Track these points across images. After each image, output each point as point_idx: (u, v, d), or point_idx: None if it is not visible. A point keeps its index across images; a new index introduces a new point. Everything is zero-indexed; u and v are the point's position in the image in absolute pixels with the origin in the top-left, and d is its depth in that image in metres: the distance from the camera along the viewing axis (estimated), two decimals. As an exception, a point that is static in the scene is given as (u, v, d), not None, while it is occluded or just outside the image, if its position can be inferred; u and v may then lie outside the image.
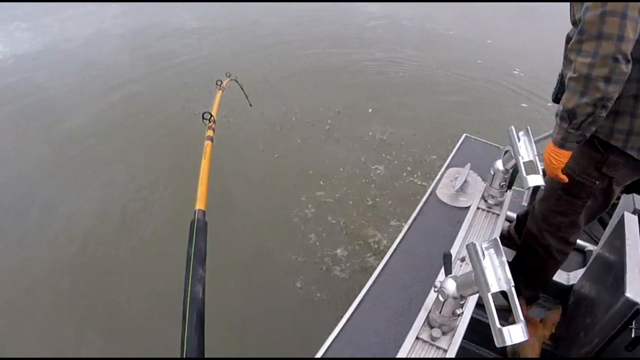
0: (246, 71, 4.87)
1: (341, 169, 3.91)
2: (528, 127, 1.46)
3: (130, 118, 4.61)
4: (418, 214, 1.63)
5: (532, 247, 1.88)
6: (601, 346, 1.56)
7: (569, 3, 1.50)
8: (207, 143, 1.47)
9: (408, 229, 1.56)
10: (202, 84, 4.84)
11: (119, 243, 3.09)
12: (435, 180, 1.81)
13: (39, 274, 2.84)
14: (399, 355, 1.05)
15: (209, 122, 1.67)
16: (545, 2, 8.74)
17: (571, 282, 2.04)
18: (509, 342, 0.88)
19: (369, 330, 1.21)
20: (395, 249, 1.48)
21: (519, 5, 8.83)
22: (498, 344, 0.89)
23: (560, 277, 2.07)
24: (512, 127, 1.47)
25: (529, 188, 1.35)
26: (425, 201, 1.70)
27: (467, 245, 0.95)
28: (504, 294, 0.94)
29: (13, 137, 4.33)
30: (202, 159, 1.35)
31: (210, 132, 1.59)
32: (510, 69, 6.10)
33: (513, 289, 0.93)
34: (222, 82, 2.38)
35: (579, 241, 2.26)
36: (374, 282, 1.37)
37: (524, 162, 1.39)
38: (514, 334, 0.88)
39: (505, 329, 0.88)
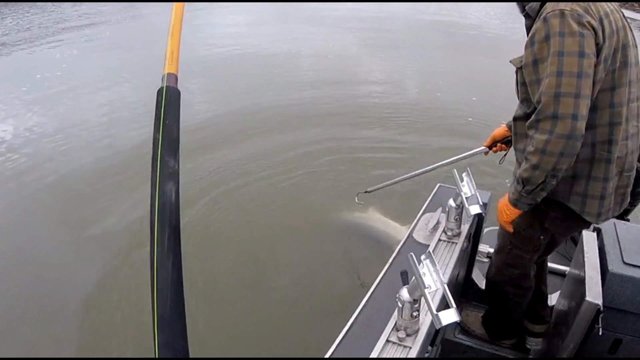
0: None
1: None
2: (468, 168, 1.81)
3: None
4: (397, 254, 1.94)
5: (493, 295, 2.14)
6: (577, 350, 1.79)
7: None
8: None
9: (389, 266, 1.87)
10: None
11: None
12: (412, 226, 2.13)
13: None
14: (372, 356, 1.34)
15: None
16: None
17: (552, 303, 2.28)
18: (444, 323, 1.18)
19: (354, 347, 1.50)
20: (378, 283, 1.79)
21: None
22: (437, 326, 1.19)
23: None
24: (454, 169, 1.77)
25: (470, 216, 1.68)
26: (403, 243, 2.01)
27: (408, 256, 1.27)
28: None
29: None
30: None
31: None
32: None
33: (446, 287, 1.24)
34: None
35: (558, 266, 2.52)
36: (360, 311, 1.66)
37: (466, 197, 1.73)
38: (448, 316, 1.19)
39: (441, 313, 1.19)
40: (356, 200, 3.53)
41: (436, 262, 1.26)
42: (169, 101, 0.83)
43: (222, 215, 4.27)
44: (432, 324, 1.40)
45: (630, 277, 1.70)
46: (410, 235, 2.07)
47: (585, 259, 1.82)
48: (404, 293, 1.33)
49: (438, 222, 2.08)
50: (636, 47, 1.57)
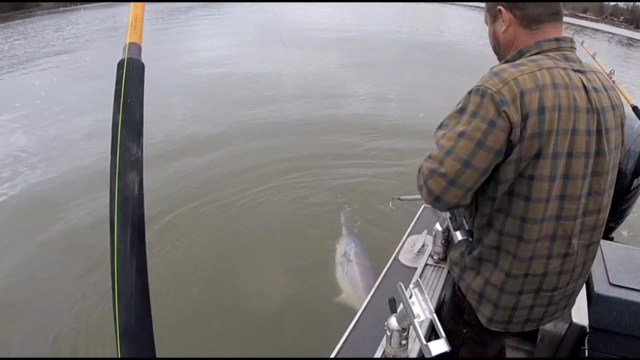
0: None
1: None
2: (419, 279, 1.44)
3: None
4: (383, 277, 1.94)
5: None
6: None
7: None
8: None
9: (375, 290, 1.86)
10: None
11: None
12: (397, 248, 2.13)
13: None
14: None
15: None
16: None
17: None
18: (434, 353, 1.17)
19: None
20: (364, 309, 1.78)
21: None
22: (426, 356, 1.17)
23: None
24: (400, 283, 1.25)
25: (458, 241, 1.60)
26: (389, 266, 2.01)
27: (397, 285, 1.26)
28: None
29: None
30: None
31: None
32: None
33: (435, 316, 1.23)
34: None
35: None
36: (347, 338, 1.65)
37: (452, 222, 1.58)
38: (438, 346, 1.17)
39: (430, 344, 1.18)
40: (390, 205, 3.40)
41: (425, 291, 1.25)
42: (130, 75, 0.73)
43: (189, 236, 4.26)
44: (420, 351, 1.39)
45: (616, 299, 1.71)
46: (396, 258, 2.06)
47: None
48: (393, 322, 1.32)
49: (424, 245, 2.08)
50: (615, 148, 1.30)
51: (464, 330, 1.53)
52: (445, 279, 1.74)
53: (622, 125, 1.33)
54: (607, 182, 1.30)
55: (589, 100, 1.22)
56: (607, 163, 1.27)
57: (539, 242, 1.26)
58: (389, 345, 1.36)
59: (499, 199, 1.25)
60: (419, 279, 1.28)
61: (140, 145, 0.69)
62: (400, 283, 1.24)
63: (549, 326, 2.10)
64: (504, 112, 1.14)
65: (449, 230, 1.79)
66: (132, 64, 0.74)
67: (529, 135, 1.15)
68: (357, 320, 1.71)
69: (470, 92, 1.21)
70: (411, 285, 1.27)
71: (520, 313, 1.36)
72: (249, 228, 4.37)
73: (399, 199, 3.27)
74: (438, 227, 1.84)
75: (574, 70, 1.23)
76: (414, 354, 1.39)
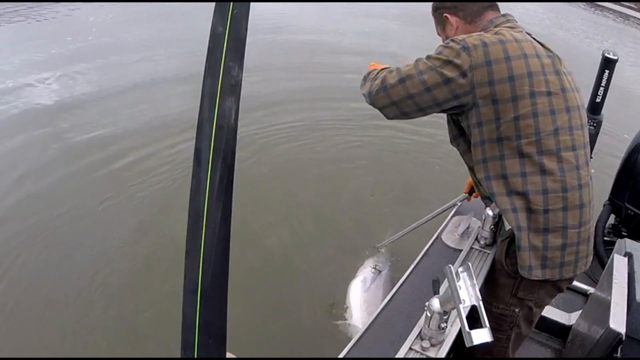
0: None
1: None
2: (469, 263, 1.31)
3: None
4: (424, 255, 1.90)
5: None
6: None
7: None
8: None
9: (414, 267, 1.83)
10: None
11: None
12: (441, 227, 2.08)
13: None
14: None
15: None
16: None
17: (571, 322, 2.23)
18: (476, 342, 1.13)
19: (373, 348, 1.47)
20: (402, 284, 1.75)
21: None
22: (467, 344, 1.14)
23: (562, 317, 2.27)
24: (450, 265, 1.20)
25: (508, 229, 1.58)
26: (431, 244, 1.97)
27: (444, 268, 1.22)
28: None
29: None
30: None
31: None
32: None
33: (481, 303, 1.19)
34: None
35: (582, 285, 2.46)
36: (381, 311, 1.63)
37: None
38: (480, 336, 1.14)
39: (473, 332, 1.14)
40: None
41: (474, 276, 1.21)
42: None
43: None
44: (457, 337, 1.36)
45: None
46: (438, 237, 2.02)
47: (614, 284, 1.77)
48: (435, 303, 1.29)
49: (469, 227, 2.03)
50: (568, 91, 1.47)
51: (516, 310, 1.61)
52: (490, 266, 1.69)
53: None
54: (583, 116, 1.50)
55: (545, 48, 1.47)
56: (573, 99, 1.47)
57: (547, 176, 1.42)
58: (426, 327, 1.33)
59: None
60: (469, 263, 1.23)
61: (241, 68, 0.61)
62: (450, 265, 1.20)
63: (582, 327, 2.04)
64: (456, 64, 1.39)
65: (500, 216, 1.73)
66: None
67: (483, 81, 1.37)
68: (393, 296, 1.69)
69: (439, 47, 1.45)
70: (460, 269, 1.23)
71: (552, 255, 1.46)
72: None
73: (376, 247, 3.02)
74: (489, 211, 1.78)
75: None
76: (450, 339, 1.36)
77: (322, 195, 4.14)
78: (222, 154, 0.55)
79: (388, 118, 1.53)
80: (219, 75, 0.58)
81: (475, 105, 1.41)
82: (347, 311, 2.51)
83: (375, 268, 2.76)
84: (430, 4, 1.70)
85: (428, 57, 1.42)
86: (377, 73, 1.52)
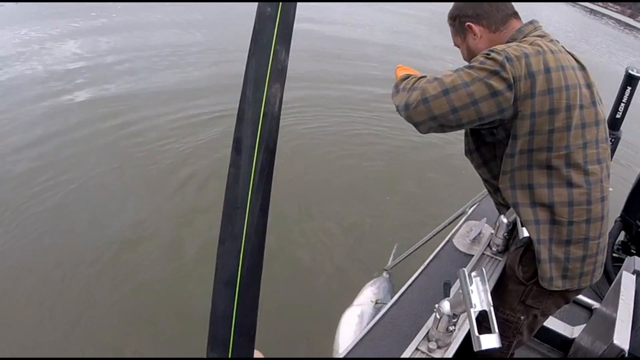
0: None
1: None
2: (483, 269, 1.27)
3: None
4: (434, 257, 1.91)
5: None
6: None
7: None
8: None
9: (424, 269, 1.84)
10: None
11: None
12: (453, 231, 2.09)
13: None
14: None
15: None
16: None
17: (574, 335, 2.23)
18: (484, 347, 1.14)
19: (379, 347, 1.48)
20: (410, 284, 1.76)
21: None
22: (475, 349, 1.15)
23: (565, 330, 2.27)
24: (464, 269, 1.23)
25: (522, 238, 1.57)
26: (442, 247, 1.97)
27: (458, 271, 1.23)
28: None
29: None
30: None
31: None
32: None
33: (492, 309, 1.20)
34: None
35: (587, 299, 2.46)
36: (387, 311, 1.64)
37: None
38: (489, 341, 1.15)
39: (482, 337, 1.15)
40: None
41: (487, 282, 1.22)
42: None
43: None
44: (464, 340, 1.37)
45: None
46: (450, 241, 2.02)
47: (620, 301, 1.76)
48: (445, 306, 1.30)
49: (481, 234, 2.03)
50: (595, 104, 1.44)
51: (521, 318, 1.61)
52: (501, 273, 1.69)
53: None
54: (607, 129, 1.50)
55: (575, 59, 1.44)
56: (601, 112, 1.46)
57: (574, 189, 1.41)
58: (434, 328, 1.34)
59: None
60: (483, 269, 1.23)
61: (288, 53, 0.58)
62: (464, 269, 1.21)
63: (585, 341, 2.04)
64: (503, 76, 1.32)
65: (515, 225, 1.73)
66: None
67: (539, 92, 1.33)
68: (401, 296, 1.69)
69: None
70: (473, 274, 1.23)
71: (573, 266, 1.46)
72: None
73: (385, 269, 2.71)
74: (503, 219, 1.78)
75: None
76: (457, 342, 1.37)
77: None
78: (264, 144, 0.54)
79: (422, 133, 1.41)
80: (269, 60, 0.56)
81: (515, 118, 1.35)
82: (335, 343, 2.15)
83: (376, 302, 2.33)
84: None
85: (470, 67, 1.32)
86: (414, 82, 1.39)
